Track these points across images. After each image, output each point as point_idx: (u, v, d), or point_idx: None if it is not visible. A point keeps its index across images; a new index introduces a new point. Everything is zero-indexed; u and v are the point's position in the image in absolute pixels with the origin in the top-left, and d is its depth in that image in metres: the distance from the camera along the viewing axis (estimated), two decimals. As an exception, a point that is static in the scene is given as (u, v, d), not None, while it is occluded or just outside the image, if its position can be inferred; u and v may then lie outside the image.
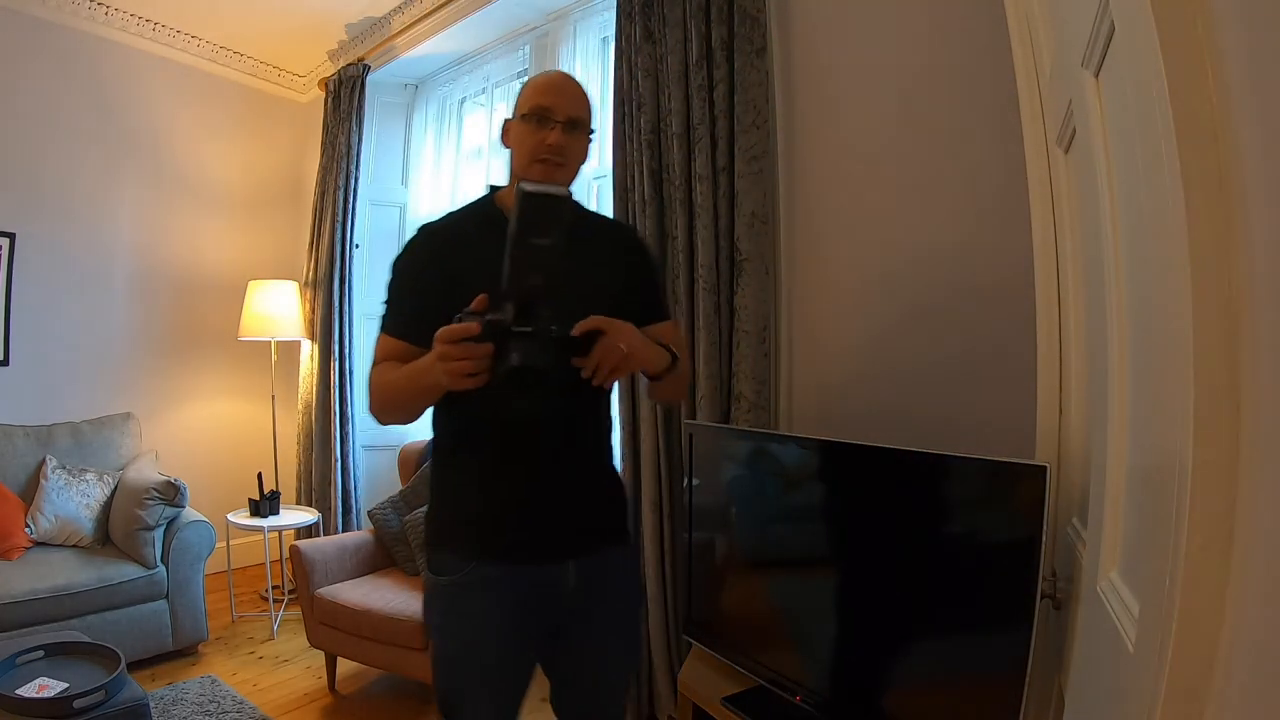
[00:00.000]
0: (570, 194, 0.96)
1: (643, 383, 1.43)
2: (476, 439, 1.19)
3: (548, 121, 1.18)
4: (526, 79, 1.29)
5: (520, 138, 1.20)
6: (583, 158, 1.24)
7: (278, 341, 3.47)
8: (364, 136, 3.44)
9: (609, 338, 1.04)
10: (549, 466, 1.19)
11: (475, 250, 1.17)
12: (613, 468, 1.34)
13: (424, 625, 1.29)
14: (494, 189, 1.30)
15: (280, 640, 2.93)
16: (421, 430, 3.42)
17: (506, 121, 1.26)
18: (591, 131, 1.24)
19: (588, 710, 1.35)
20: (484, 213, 1.25)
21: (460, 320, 0.96)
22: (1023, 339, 1.44)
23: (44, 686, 1.68)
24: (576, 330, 1.02)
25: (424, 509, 2.64)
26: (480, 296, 0.97)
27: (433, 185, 3.62)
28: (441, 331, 0.96)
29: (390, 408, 1.19)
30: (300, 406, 3.61)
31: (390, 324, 1.21)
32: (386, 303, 1.23)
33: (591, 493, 1.26)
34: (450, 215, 1.30)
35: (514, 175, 1.24)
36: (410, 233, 1.29)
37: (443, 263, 1.19)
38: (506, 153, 1.26)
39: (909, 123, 1.82)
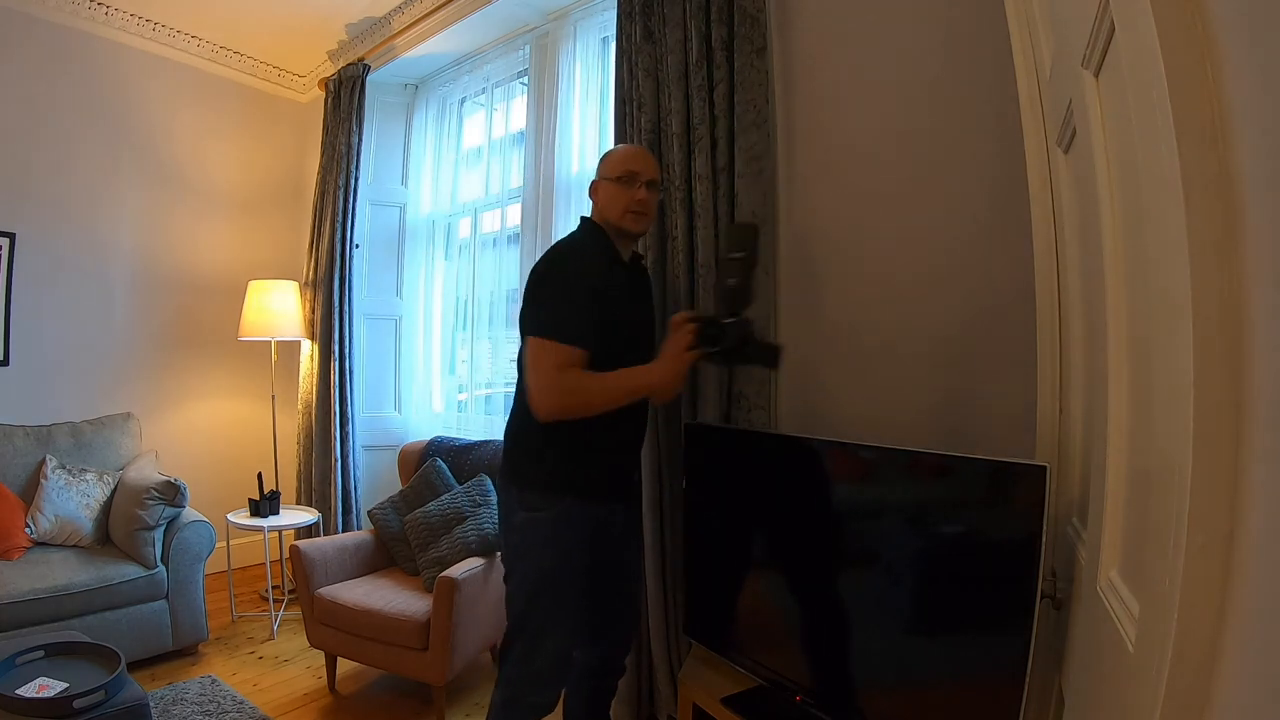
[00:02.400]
0: (757, 225, 1.63)
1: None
2: (604, 418, 1.55)
3: (635, 182, 1.60)
4: (610, 150, 1.73)
5: (612, 194, 1.62)
6: (656, 209, 1.74)
7: (278, 341, 3.47)
8: (364, 136, 3.44)
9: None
10: (627, 438, 1.72)
11: (608, 272, 1.60)
12: None
13: (511, 563, 1.65)
14: (586, 219, 1.70)
15: (280, 640, 2.93)
16: (421, 430, 3.42)
17: (594, 181, 1.68)
18: (663, 189, 1.77)
19: (618, 619, 1.82)
20: (601, 243, 1.64)
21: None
22: (1023, 339, 1.44)
23: (44, 686, 1.68)
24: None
25: (423, 508, 2.65)
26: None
27: (433, 185, 3.63)
28: (676, 317, 1.57)
29: (593, 404, 1.52)
30: (300, 406, 3.61)
31: (568, 334, 1.49)
32: (555, 319, 1.50)
33: (638, 458, 1.83)
34: (580, 245, 1.64)
35: (601, 218, 1.65)
36: (558, 256, 1.66)
37: (590, 284, 1.54)
38: (588, 201, 1.72)
39: (909, 123, 1.82)
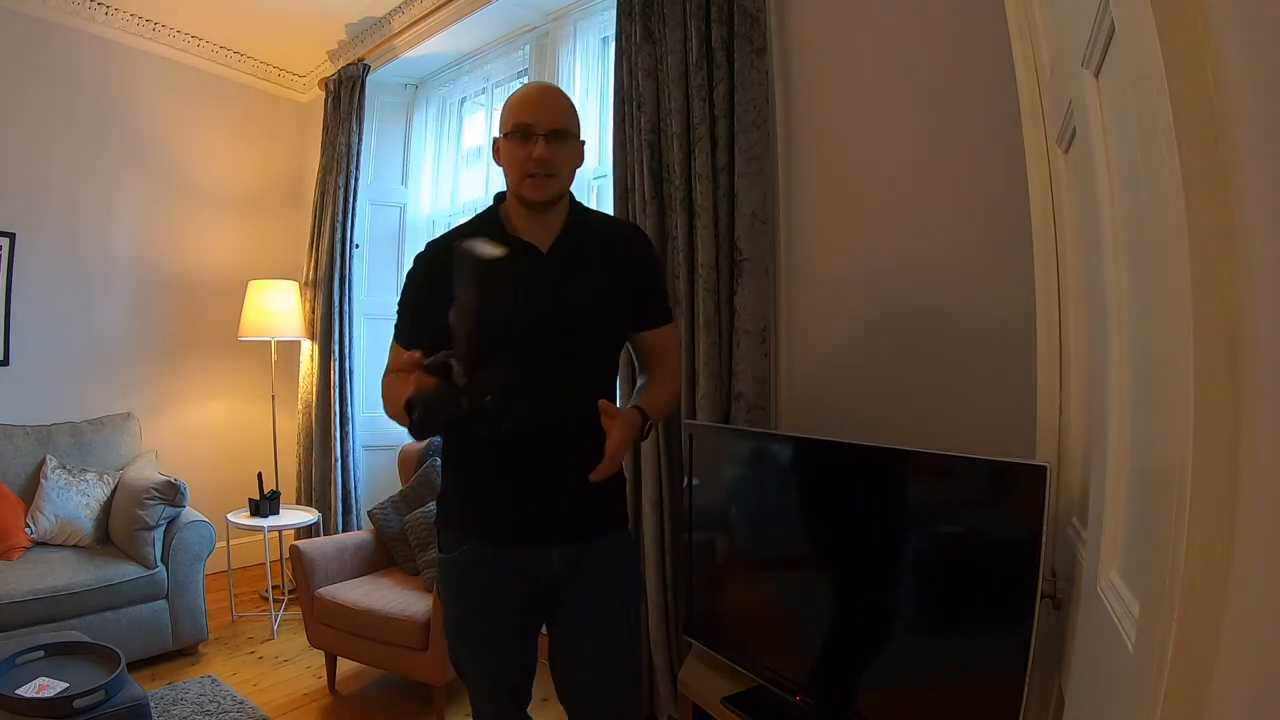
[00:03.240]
0: (497, 255, 0.99)
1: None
2: (480, 440, 1.24)
3: (531, 136, 1.20)
4: (508, 96, 1.29)
5: (509, 155, 1.23)
6: (574, 164, 1.27)
7: (278, 341, 3.47)
8: (364, 136, 3.44)
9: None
10: (539, 467, 1.26)
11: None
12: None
13: (439, 598, 1.44)
14: (500, 196, 1.33)
15: (280, 640, 2.93)
16: (421, 430, 3.41)
17: (496, 140, 1.28)
18: (580, 138, 1.27)
19: (585, 691, 1.37)
20: (487, 227, 1.27)
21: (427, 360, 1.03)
22: (1023, 339, 1.44)
23: (44, 686, 1.68)
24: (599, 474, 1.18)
25: (424, 509, 2.65)
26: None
27: (433, 185, 3.63)
28: (397, 360, 1.06)
29: (392, 415, 1.24)
30: (300, 406, 3.61)
31: (398, 333, 1.31)
32: (398, 313, 1.32)
33: (580, 491, 1.24)
34: (457, 229, 1.34)
35: (510, 189, 1.28)
36: (417, 236, 1.40)
37: (442, 277, 1.14)
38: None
39: (909, 122, 1.82)
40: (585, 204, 1.39)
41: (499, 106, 3.36)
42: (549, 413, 1.15)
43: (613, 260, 1.31)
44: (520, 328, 1.11)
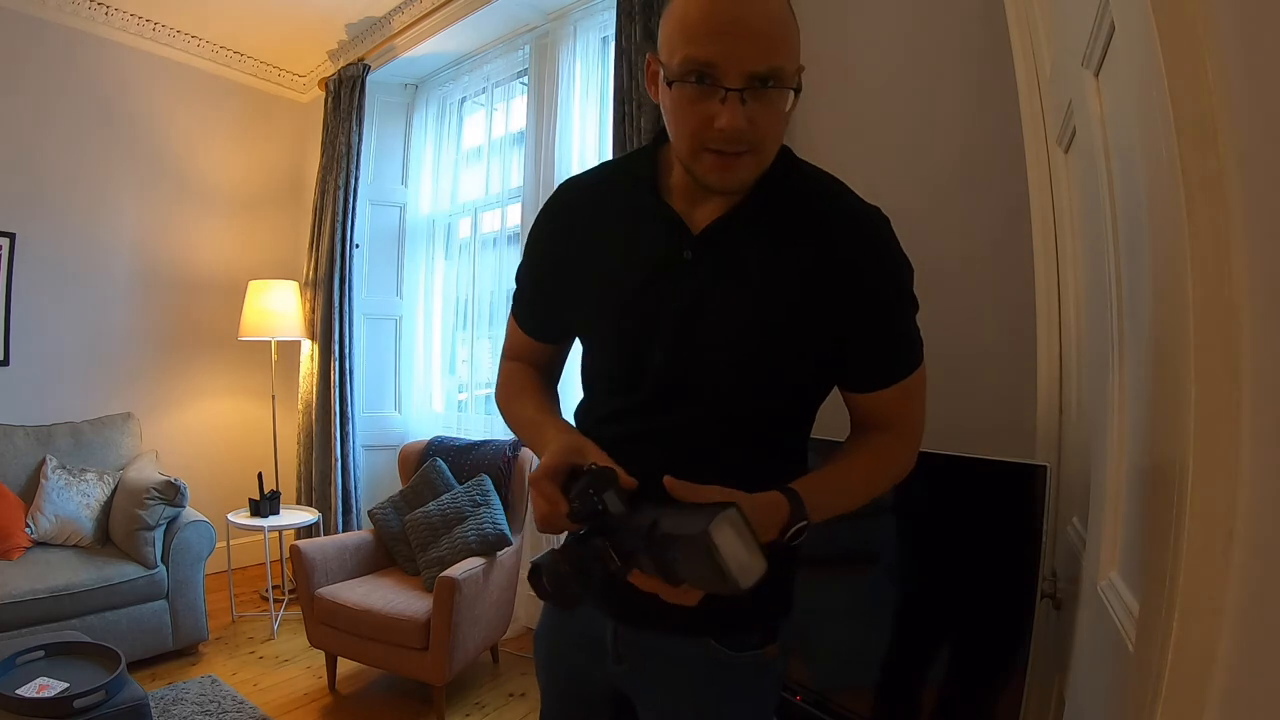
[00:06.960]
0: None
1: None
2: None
3: (714, 88, 0.71)
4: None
5: (676, 106, 0.74)
6: (781, 125, 0.79)
7: (278, 341, 3.47)
8: (364, 136, 3.44)
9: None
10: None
11: (608, 221, 0.87)
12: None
13: None
14: (661, 135, 0.85)
15: (280, 640, 2.93)
16: (421, 430, 3.42)
17: (651, 60, 0.77)
18: (801, 69, 0.79)
19: None
20: (635, 171, 0.87)
21: (579, 477, 0.73)
22: (1023, 338, 1.44)
23: (44, 686, 1.68)
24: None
25: (423, 508, 2.65)
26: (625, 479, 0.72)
27: (433, 185, 3.63)
28: (546, 470, 0.74)
29: (507, 422, 0.99)
30: (300, 406, 3.61)
31: (515, 307, 0.99)
32: (516, 280, 0.99)
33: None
34: (601, 168, 0.95)
35: (679, 156, 0.79)
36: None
37: (570, 233, 0.89)
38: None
39: (909, 123, 1.82)
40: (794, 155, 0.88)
41: (498, 107, 3.37)
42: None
43: (804, 263, 0.80)
44: (640, 356, 0.82)
